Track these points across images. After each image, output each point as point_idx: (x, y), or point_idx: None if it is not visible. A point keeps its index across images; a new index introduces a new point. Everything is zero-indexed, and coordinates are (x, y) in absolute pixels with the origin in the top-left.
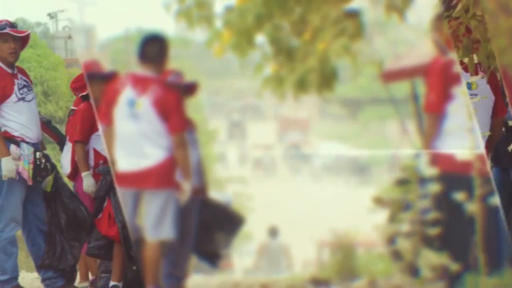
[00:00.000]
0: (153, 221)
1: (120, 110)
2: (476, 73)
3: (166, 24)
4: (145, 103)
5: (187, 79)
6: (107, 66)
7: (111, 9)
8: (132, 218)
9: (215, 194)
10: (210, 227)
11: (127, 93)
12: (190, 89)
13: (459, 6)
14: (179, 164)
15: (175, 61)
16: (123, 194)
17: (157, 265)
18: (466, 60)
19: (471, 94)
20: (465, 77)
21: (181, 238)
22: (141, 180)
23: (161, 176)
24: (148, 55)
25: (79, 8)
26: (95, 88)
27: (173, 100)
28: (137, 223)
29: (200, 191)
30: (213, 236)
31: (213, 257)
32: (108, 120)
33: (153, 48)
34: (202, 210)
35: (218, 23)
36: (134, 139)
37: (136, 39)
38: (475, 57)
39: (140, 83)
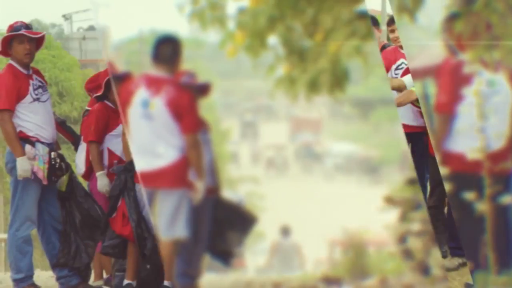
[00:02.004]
0: (167, 220)
1: (134, 111)
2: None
3: (180, 25)
4: (159, 104)
5: (200, 79)
6: (121, 67)
7: (125, 11)
8: (151, 215)
9: (228, 193)
10: (223, 226)
11: (141, 93)
12: (203, 89)
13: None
14: (192, 164)
15: (188, 62)
16: (144, 192)
17: (171, 263)
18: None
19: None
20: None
21: (194, 237)
22: (155, 180)
23: (175, 176)
24: (161, 56)
25: (95, 10)
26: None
27: (187, 101)
28: (153, 221)
29: (213, 191)
30: (226, 235)
31: (226, 256)
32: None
33: (167, 49)
34: (215, 210)
35: (231, 24)
36: (148, 139)
37: (150, 40)
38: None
39: (153, 84)
